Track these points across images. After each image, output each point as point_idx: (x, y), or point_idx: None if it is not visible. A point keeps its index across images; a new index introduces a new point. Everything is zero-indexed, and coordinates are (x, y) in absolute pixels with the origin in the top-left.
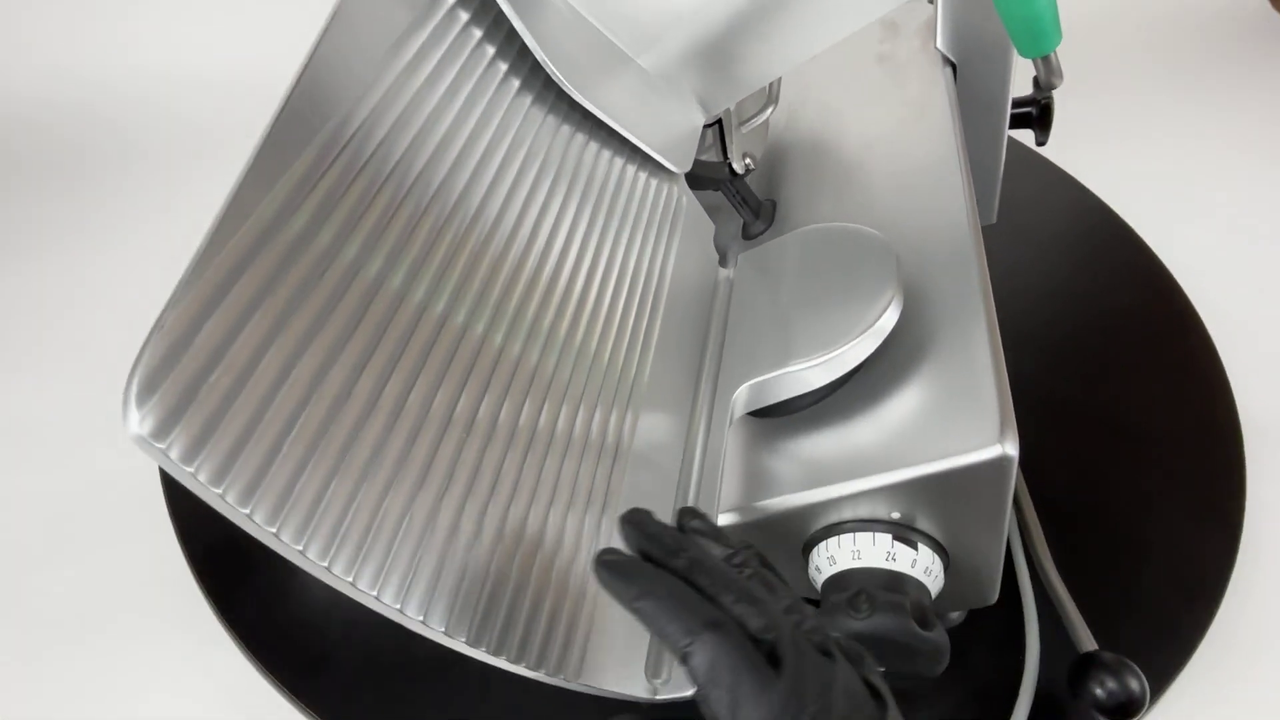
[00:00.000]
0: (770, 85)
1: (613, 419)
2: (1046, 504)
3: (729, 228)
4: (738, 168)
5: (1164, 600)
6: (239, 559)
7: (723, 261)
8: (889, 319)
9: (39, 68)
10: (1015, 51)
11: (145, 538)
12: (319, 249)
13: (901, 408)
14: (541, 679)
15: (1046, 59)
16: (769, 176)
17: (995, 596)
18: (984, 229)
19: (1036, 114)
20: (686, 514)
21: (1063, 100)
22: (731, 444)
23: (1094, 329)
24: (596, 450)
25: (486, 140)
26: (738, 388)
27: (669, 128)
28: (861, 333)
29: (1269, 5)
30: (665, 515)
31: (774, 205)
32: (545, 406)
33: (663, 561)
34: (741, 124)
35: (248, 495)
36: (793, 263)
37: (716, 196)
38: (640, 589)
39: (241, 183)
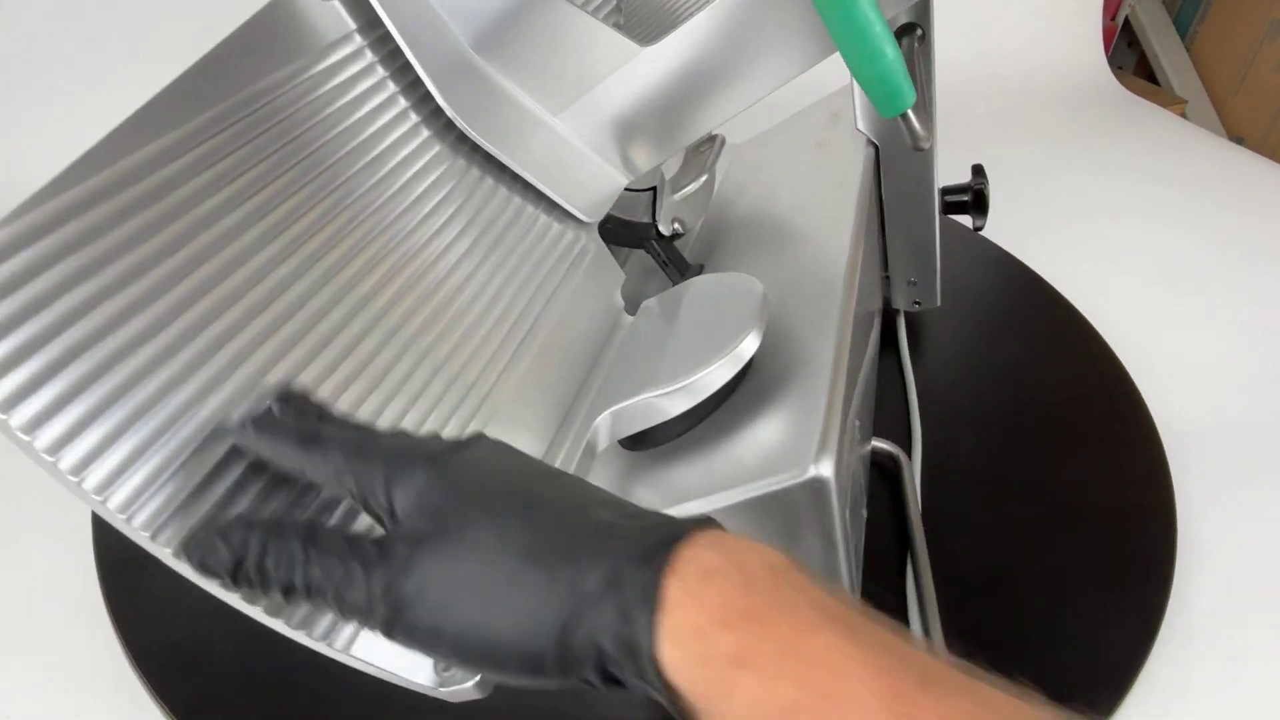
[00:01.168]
0: (706, 159)
1: (452, 422)
2: (964, 575)
3: (656, 289)
4: (664, 229)
5: (1070, 678)
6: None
7: (632, 310)
8: (745, 349)
9: None
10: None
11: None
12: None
13: (746, 436)
14: (307, 643)
15: (906, 118)
16: (708, 244)
17: None
18: (929, 312)
19: (971, 200)
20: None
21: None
22: (601, 475)
23: (1035, 405)
24: None
25: (380, 148)
26: (601, 414)
27: (583, 182)
28: (717, 361)
29: (1111, 75)
30: None
31: (701, 269)
32: (376, 396)
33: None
34: (676, 191)
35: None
36: (681, 306)
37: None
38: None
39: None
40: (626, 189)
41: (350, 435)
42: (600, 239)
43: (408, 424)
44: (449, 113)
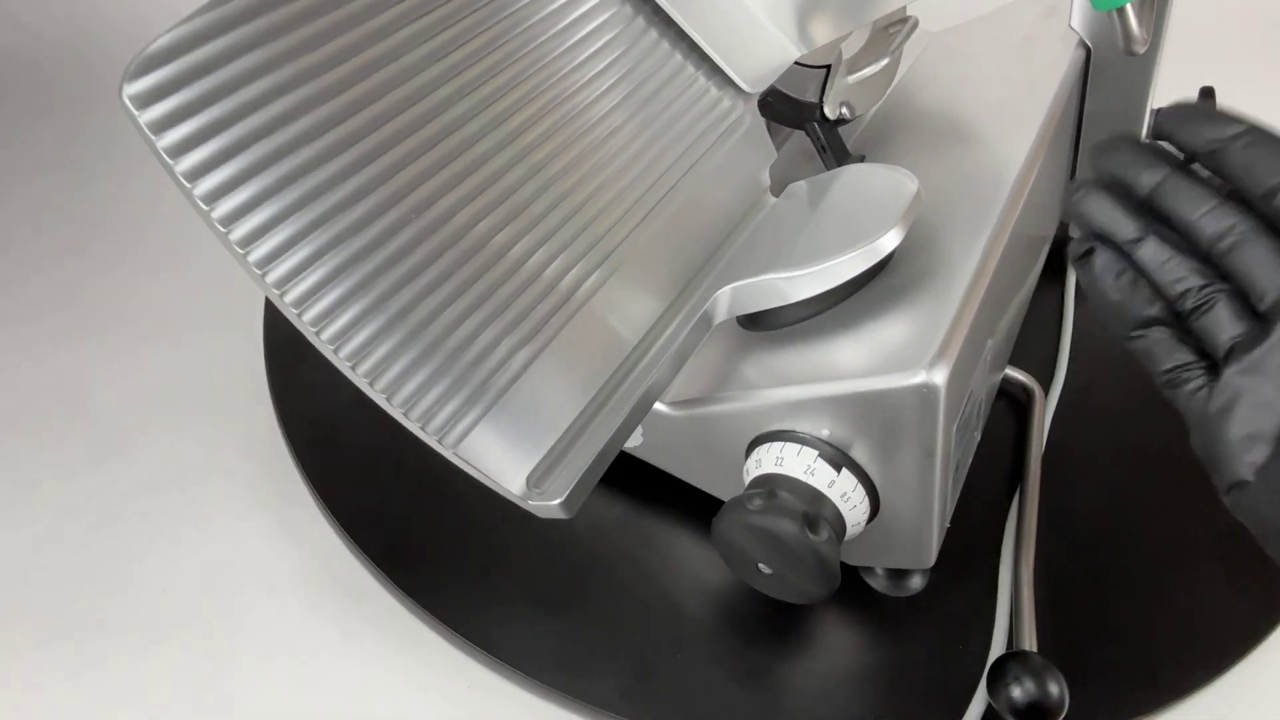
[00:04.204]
0: (891, 41)
1: (577, 268)
2: (1072, 525)
3: (810, 172)
4: (829, 112)
5: (1162, 650)
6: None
7: (779, 192)
8: (883, 245)
9: None
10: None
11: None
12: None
13: (865, 332)
14: (417, 432)
15: (1123, 15)
16: (876, 134)
17: (931, 559)
18: None
19: None
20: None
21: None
22: (713, 345)
23: None
24: (547, 286)
25: None
26: (723, 287)
27: (751, 49)
28: (849, 252)
29: None
30: (588, 385)
31: (862, 159)
32: (512, 228)
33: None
34: (852, 72)
35: (196, 174)
36: (827, 193)
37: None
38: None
39: None
40: (797, 63)
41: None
42: (759, 112)
43: (535, 263)
44: None
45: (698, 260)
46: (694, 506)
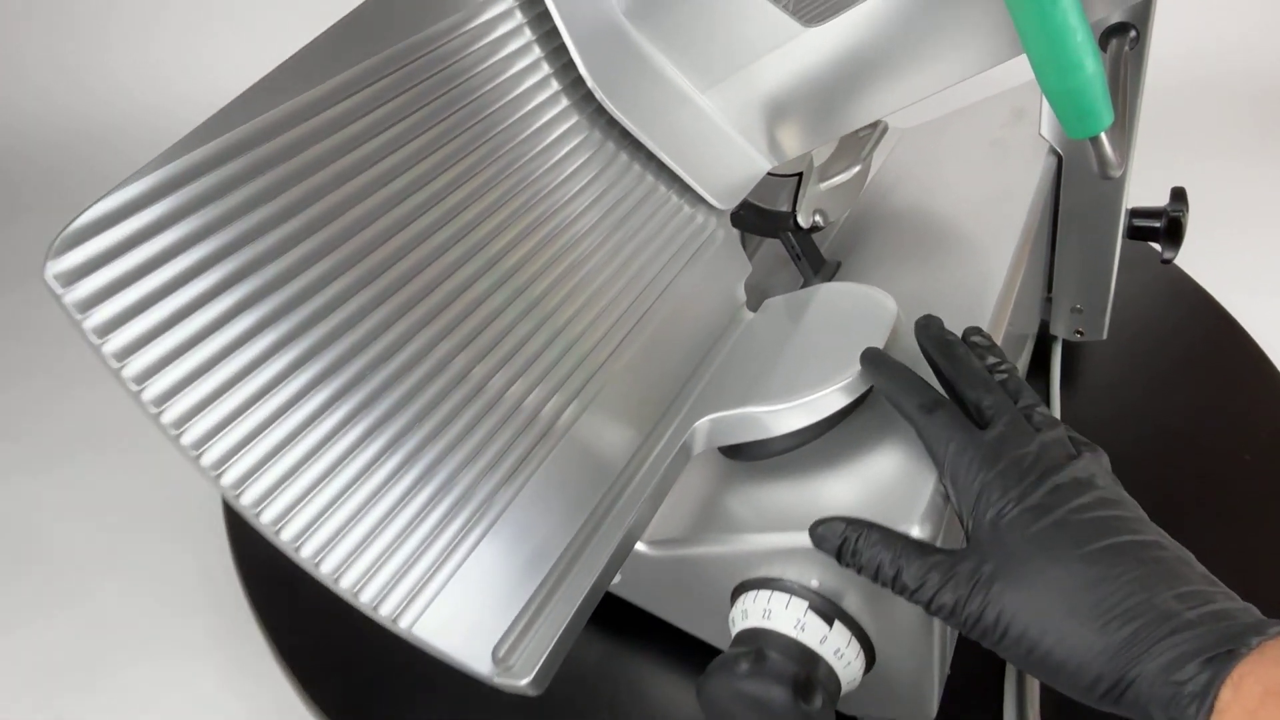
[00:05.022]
0: (862, 147)
1: (556, 398)
2: None
3: (785, 282)
4: (803, 221)
5: None
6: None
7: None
8: (862, 382)
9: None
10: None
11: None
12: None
13: (855, 468)
14: (369, 614)
15: (1097, 142)
16: (852, 237)
17: (933, 711)
18: (1091, 346)
19: (1164, 228)
20: (970, 330)
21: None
22: (695, 472)
23: (1206, 475)
24: (527, 419)
25: (521, 113)
26: (701, 418)
27: (721, 165)
28: (830, 386)
29: None
30: (574, 514)
31: (838, 266)
32: (489, 357)
33: (931, 354)
34: (824, 180)
35: (126, 353)
36: (804, 314)
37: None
38: (889, 374)
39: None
40: (769, 173)
41: (958, 434)
42: (731, 225)
43: (515, 392)
44: (589, 83)
45: (676, 383)
46: (678, 646)
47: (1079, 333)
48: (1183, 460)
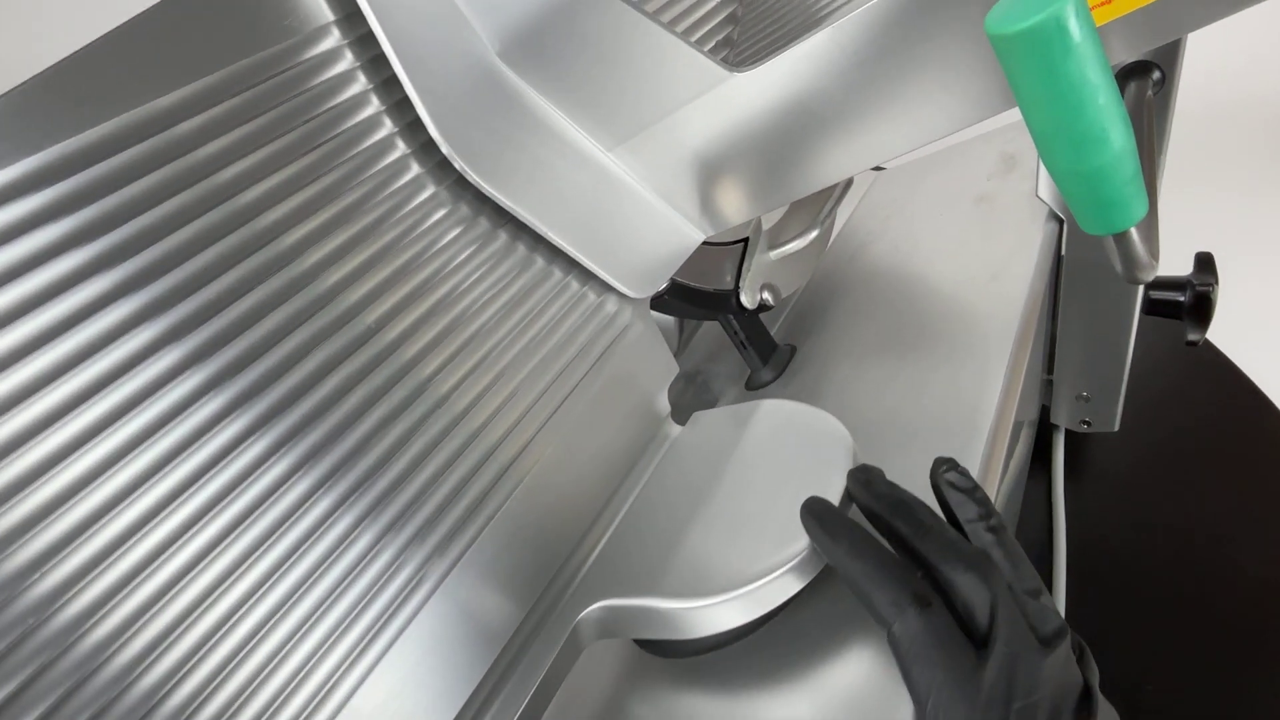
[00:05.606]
0: (820, 206)
1: (410, 566)
2: None
3: (729, 370)
4: (746, 300)
5: None
6: None
7: (685, 414)
8: (804, 573)
9: None
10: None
11: None
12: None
13: (796, 681)
14: None
15: (1124, 239)
16: (811, 312)
17: None
18: (1100, 438)
19: (1189, 303)
20: (941, 463)
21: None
22: (598, 664)
23: (1233, 585)
24: (372, 584)
25: (362, 182)
26: (590, 604)
27: (634, 239)
28: (764, 578)
29: None
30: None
31: (792, 352)
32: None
33: (884, 519)
34: (774, 247)
35: None
36: (737, 442)
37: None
38: (847, 548)
39: None
40: (706, 242)
41: (947, 665)
42: (649, 313)
43: (357, 549)
44: (444, 149)
45: (570, 538)
46: None
47: (1086, 423)
48: (1211, 573)
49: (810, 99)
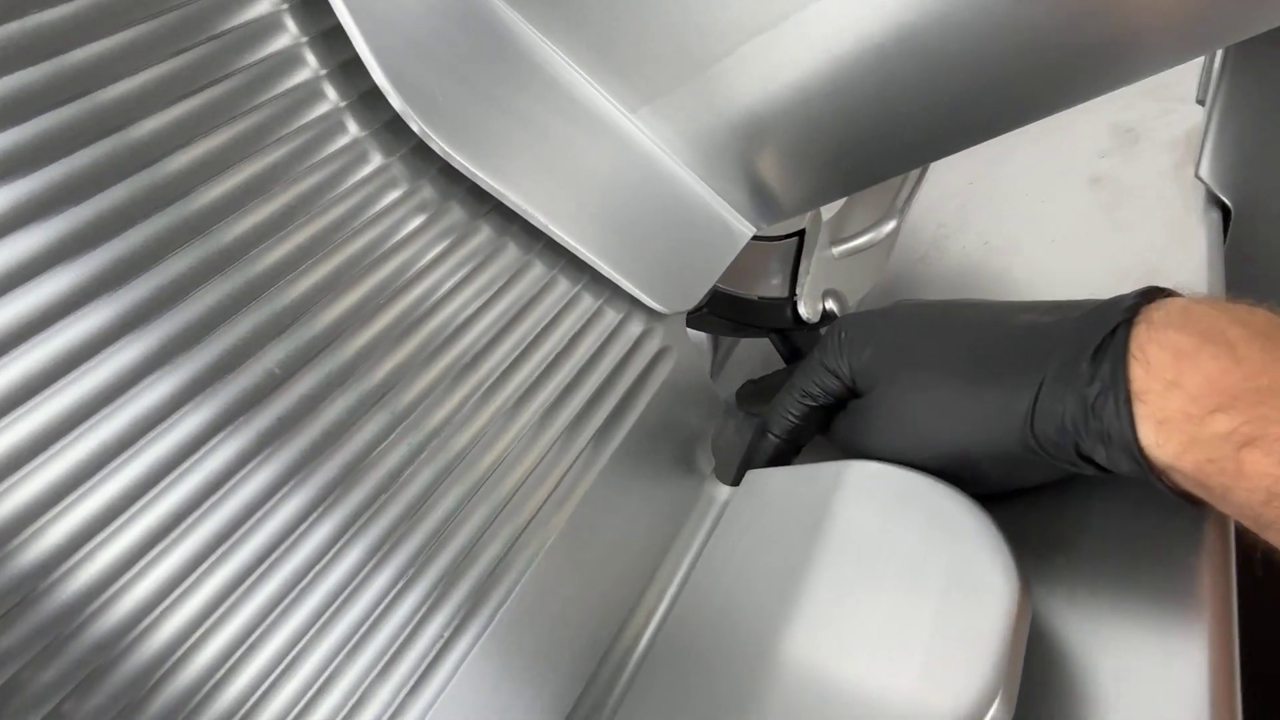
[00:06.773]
0: (896, 192)
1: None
2: None
3: None
4: (806, 311)
5: None
6: None
7: (727, 470)
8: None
9: None
10: None
11: None
12: None
13: None
14: None
15: None
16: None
17: None
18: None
19: None
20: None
21: None
22: None
23: None
24: None
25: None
26: None
27: (666, 238)
28: None
29: None
30: None
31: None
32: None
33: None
34: (836, 243)
35: None
36: (820, 522)
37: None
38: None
39: None
40: (756, 237)
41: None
42: (686, 334)
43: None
44: (395, 103)
45: (595, 647)
46: None
47: None
48: None
49: (930, 33)
